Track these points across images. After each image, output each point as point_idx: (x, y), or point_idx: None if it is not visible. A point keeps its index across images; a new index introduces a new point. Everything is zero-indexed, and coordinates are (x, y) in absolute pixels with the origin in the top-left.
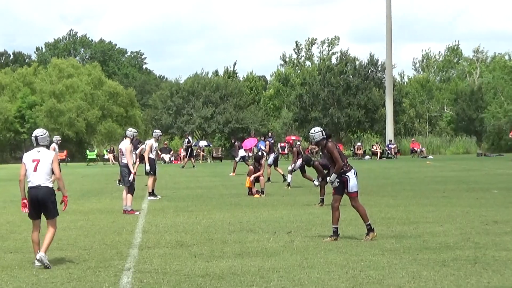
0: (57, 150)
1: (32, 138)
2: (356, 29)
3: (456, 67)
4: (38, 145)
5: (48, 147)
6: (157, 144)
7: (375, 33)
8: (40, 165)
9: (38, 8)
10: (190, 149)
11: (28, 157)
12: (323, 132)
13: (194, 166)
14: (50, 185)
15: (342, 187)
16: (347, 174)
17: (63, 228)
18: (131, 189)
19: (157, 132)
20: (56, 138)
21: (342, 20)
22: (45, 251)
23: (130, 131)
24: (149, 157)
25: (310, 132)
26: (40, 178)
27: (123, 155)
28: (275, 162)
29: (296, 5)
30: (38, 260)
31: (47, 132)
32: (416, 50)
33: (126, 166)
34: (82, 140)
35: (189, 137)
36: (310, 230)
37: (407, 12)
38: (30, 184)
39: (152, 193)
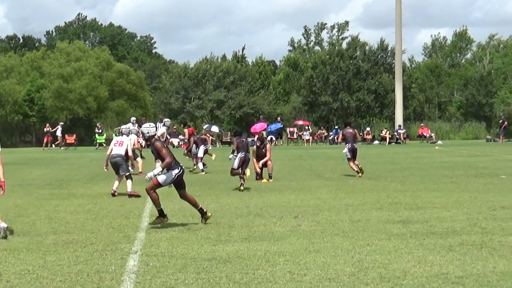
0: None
1: None
2: (367, 14)
3: (464, 52)
4: None
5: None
6: (167, 131)
7: (387, 18)
8: None
9: None
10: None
11: None
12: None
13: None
14: None
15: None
16: (171, 171)
17: (70, 211)
18: (130, 175)
19: (167, 120)
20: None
21: (355, 5)
22: None
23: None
24: None
25: (144, 126)
26: None
27: (121, 146)
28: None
29: None
30: None
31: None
32: (429, 35)
33: (122, 156)
34: (92, 124)
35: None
36: (317, 214)
37: None
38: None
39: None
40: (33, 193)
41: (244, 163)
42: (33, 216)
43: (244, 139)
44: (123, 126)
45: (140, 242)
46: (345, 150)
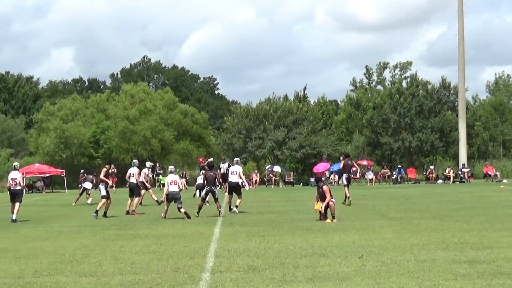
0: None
1: None
2: (431, 52)
3: None
4: None
5: None
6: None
7: (451, 56)
8: None
9: (121, 35)
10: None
11: None
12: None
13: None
14: None
15: None
16: None
17: (136, 252)
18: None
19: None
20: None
21: (419, 44)
22: None
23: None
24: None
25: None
26: None
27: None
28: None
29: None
30: None
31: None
32: (492, 73)
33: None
34: (155, 165)
35: (227, 162)
36: (382, 254)
37: (484, 35)
38: None
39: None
40: (99, 233)
41: (208, 194)
42: (99, 257)
43: (212, 173)
44: (171, 167)
45: (205, 283)
46: (344, 177)
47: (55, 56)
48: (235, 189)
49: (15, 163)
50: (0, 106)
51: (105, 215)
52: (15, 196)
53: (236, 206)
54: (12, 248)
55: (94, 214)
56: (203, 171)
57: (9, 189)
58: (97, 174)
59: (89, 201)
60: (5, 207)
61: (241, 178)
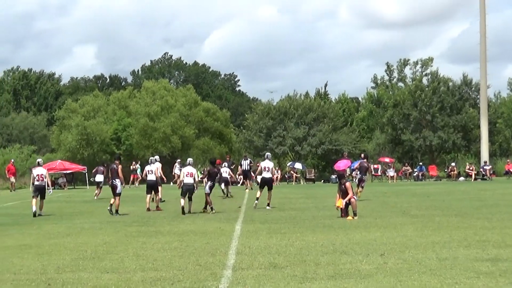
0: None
1: None
2: (453, 49)
3: None
4: None
5: None
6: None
7: (473, 53)
8: None
9: (143, 32)
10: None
11: None
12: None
13: (251, 188)
14: None
15: None
16: None
17: (158, 248)
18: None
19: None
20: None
21: (441, 41)
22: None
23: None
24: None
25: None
26: None
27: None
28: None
29: (399, 27)
30: None
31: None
32: None
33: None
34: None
35: (249, 159)
36: (403, 252)
37: (507, 32)
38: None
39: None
40: (120, 230)
41: (212, 189)
42: (121, 253)
43: (216, 169)
44: (189, 159)
45: (227, 280)
46: (359, 176)
47: (77, 53)
48: (267, 184)
49: (39, 159)
50: (22, 103)
51: (111, 211)
52: (39, 191)
53: (268, 204)
54: (35, 245)
55: (116, 214)
56: (225, 164)
57: (33, 184)
58: (107, 166)
59: (96, 197)
60: (27, 204)
61: (272, 174)
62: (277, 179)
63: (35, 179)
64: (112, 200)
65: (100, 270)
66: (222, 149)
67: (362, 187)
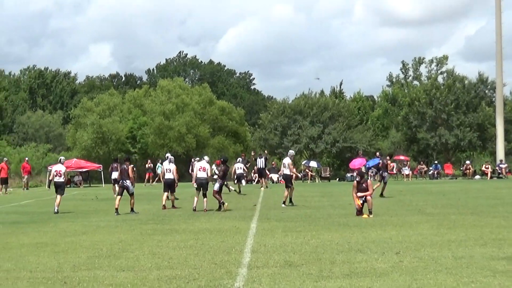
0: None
1: None
2: (469, 47)
3: None
4: None
5: None
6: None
7: (489, 51)
8: None
9: (159, 30)
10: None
11: None
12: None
13: (267, 187)
14: None
15: None
16: None
17: (173, 247)
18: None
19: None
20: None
21: (456, 39)
22: None
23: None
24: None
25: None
26: None
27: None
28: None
29: (415, 24)
30: None
31: None
32: None
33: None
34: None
35: (264, 157)
36: (419, 250)
37: None
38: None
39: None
40: (136, 228)
41: (222, 187)
42: (137, 251)
43: (225, 167)
44: (205, 156)
45: (242, 278)
46: (384, 174)
47: (93, 51)
48: (287, 180)
49: (61, 157)
50: (38, 102)
51: (117, 211)
52: (57, 188)
53: (284, 201)
54: (51, 243)
55: (132, 212)
56: (240, 160)
57: (50, 180)
58: (120, 162)
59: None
60: (43, 202)
61: (291, 171)
62: (292, 177)
63: (53, 175)
64: (117, 199)
65: (116, 268)
66: (237, 147)
67: (385, 183)
